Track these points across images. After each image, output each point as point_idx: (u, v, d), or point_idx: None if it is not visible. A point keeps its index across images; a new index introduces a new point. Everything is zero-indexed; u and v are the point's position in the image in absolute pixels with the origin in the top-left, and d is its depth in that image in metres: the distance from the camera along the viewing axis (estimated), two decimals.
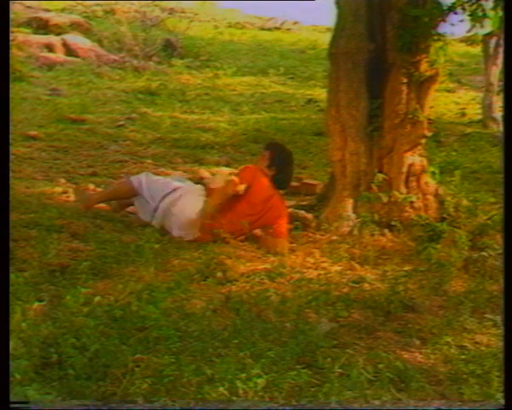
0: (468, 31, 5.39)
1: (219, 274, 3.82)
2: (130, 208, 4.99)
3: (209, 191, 4.63)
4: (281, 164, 4.68)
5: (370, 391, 2.60)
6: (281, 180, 4.69)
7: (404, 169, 4.74)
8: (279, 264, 4.04)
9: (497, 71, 9.68)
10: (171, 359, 2.69)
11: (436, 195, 4.85)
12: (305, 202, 5.32)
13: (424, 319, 3.39)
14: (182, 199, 4.58)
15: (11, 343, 2.60)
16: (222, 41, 16.62)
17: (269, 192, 4.58)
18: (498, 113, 9.24)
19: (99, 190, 5.45)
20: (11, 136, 6.34)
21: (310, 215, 4.83)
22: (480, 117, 10.03)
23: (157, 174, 5.30)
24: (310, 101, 11.35)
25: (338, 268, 4.08)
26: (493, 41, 9.57)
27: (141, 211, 4.75)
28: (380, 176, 4.72)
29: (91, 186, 5.70)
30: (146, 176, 4.82)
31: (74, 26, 13.97)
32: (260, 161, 4.75)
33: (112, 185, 5.37)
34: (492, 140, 8.57)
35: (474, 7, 4.51)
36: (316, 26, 20.04)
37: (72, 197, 5.15)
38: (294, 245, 4.47)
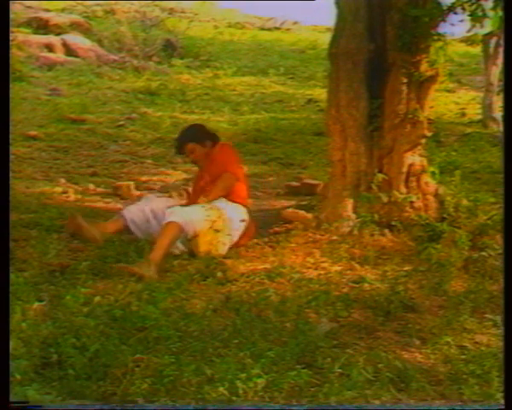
0: (468, 31, 5.41)
1: (219, 274, 3.82)
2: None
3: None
4: (204, 137, 4.77)
5: (370, 391, 2.59)
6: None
7: (404, 169, 4.73)
8: (279, 264, 4.04)
9: (497, 71, 9.68)
10: (171, 359, 2.69)
11: (436, 195, 4.84)
12: (305, 202, 5.32)
13: (424, 319, 3.39)
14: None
15: (11, 343, 2.60)
16: (222, 41, 16.60)
17: None
18: (498, 113, 9.23)
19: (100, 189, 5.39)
20: (11, 136, 6.35)
21: (310, 215, 4.83)
22: (480, 117, 10.03)
23: (157, 174, 5.27)
24: (310, 101, 11.36)
25: (338, 268, 4.07)
26: (493, 41, 9.57)
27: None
28: (380, 176, 4.72)
29: (91, 186, 5.70)
30: (177, 209, 4.26)
31: (74, 26, 13.97)
32: (196, 152, 4.72)
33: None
34: (492, 140, 8.57)
35: (474, 7, 4.50)
36: (316, 26, 20.01)
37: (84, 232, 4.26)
38: (294, 245, 4.46)
